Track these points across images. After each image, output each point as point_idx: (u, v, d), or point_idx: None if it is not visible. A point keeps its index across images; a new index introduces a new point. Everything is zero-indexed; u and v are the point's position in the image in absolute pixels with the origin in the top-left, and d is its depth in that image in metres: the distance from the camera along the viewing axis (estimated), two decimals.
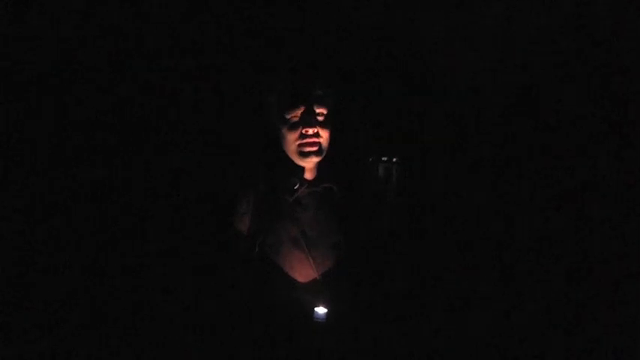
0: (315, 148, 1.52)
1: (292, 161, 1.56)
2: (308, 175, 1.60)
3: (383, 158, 1.60)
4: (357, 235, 1.59)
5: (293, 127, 1.51)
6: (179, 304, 1.55)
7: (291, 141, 1.52)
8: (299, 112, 1.50)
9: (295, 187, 1.55)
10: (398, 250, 1.64)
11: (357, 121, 1.86)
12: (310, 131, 1.50)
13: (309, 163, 1.55)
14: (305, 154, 1.52)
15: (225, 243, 1.54)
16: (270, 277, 1.52)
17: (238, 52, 1.82)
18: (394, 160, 1.60)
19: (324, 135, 1.53)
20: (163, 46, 1.79)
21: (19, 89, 1.69)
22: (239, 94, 1.80)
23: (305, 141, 1.51)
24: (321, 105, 1.52)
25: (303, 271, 1.52)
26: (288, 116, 1.51)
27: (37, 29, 1.71)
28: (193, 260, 1.56)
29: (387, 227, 1.63)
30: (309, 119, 1.50)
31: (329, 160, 1.60)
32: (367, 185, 1.63)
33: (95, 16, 1.76)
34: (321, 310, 1.47)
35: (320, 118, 1.52)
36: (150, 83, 1.78)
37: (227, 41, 1.82)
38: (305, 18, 1.84)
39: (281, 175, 1.56)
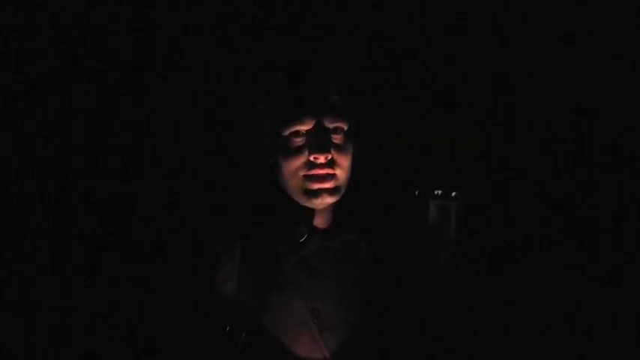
0: (328, 185, 1.06)
1: (295, 202, 1.09)
2: (320, 222, 1.12)
3: (436, 192, 1.21)
4: (397, 313, 1.12)
5: (295, 152, 1.06)
6: None
7: (292, 173, 1.06)
8: (304, 127, 1.04)
9: (301, 241, 1.08)
10: (457, 336, 1.17)
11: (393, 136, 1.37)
12: (321, 158, 1.04)
13: (321, 205, 1.08)
14: (313, 193, 1.06)
15: (197, 326, 1.06)
16: None
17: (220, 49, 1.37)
18: (454, 194, 1.20)
19: (343, 163, 1.07)
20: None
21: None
22: (217, 104, 1.34)
23: (313, 172, 1.05)
24: (337, 118, 1.06)
25: None
26: (286, 134, 1.05)
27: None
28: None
29: (443, 300, 1.19)
30: (319, 140, 1.04)
31: (352, 199, 1.11)
32: (412, 234, 1.22)
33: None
34: None
35: (336, 139, 1.06)
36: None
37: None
38: None
39: (279, 224, 1.10)
